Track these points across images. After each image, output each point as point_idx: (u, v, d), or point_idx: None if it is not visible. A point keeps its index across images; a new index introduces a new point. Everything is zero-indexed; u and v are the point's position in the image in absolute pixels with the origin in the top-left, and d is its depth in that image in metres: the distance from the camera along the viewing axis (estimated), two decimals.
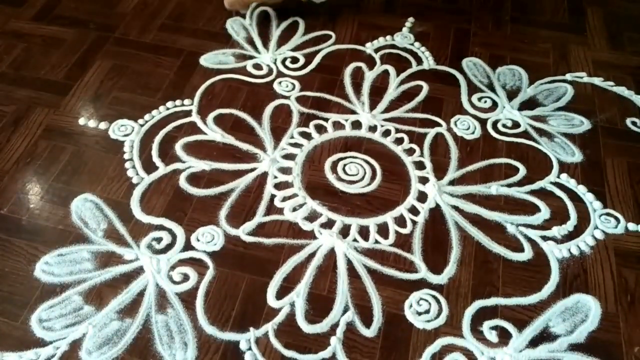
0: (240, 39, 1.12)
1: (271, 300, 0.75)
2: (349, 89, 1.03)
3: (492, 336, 0.72)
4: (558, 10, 1.21)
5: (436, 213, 0.85)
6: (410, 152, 0.93)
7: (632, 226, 0.84)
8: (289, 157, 0.92)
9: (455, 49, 1.11)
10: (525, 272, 0.79)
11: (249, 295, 0.75)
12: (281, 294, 0.75)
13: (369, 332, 0.72)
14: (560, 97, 1.03)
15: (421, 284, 0.77)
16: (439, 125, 0.97)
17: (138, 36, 1.13)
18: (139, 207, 0.84)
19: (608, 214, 0.85)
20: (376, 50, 1.10)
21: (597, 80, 1.06)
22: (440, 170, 0.90)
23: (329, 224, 0.83)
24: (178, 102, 1.00)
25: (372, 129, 0.96)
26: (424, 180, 0.89)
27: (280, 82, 1.04)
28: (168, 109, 0.99)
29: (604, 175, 0.90)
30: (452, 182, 0.89)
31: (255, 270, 0.78)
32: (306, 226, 0.83)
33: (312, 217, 0.84)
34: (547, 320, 0.73)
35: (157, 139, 0.94)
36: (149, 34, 1.13)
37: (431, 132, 0.96)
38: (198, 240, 0.81)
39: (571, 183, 0.89)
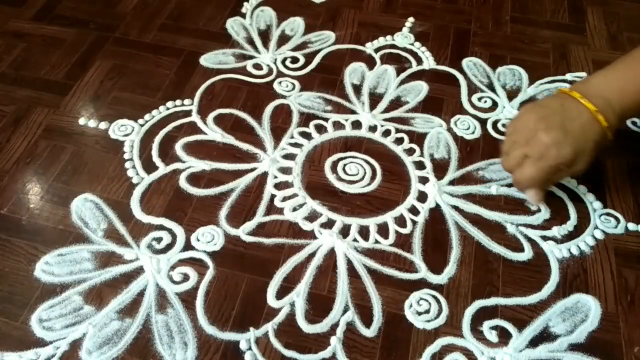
0: (240, 39, 1.12)
1: (271, 300, 0.75)
2: (349, 89, 1.03)
3: (492, 336, 0.72)
4: (558, 10, 1.21)
5: (436, 213, 0.85)
6: (410, 152, 0.93)
7: (632, 226, 0.84)
8: (289, 157, 0.92)
9: (455, 49, 1.11)
10: (525, 272, 0.79)
11: (249, 295, 0.75)
12: (281, 293, 0.75)
13: (369, 332, 0.72)
14: None
15: (421, 284, 0.77)
16: (439, 125, 0.97)
17: (138, 36, 1.13)
18: (139, 207, 0.85)
19: (608, 214, 0.85)
20: (376, 50, 1.10)
21: None
22: (440, 170, 0.90)
23: (329, 224, 0.83)
24: (178, 102, 1.00)
25: (372, 128, 0.96)
26: (424, 180, 0.89)
27: (280, 82, 1.04)
28: (168, 109, 0.99)
29: (604, 175, 0.90)
30: (452, 182, 0.89)
31: (255, 270, 0.78)
32: (306, 226, 0.83)
33: (312, 217, 0.84)
34: (547, 320, 0.73)
35: (157, 139, 0.94)
36: (149, 34, 1.13)
37: (431, 132, 0.96)
38: (198, 240, 0.81)
39: (571, 183, 0.89)
